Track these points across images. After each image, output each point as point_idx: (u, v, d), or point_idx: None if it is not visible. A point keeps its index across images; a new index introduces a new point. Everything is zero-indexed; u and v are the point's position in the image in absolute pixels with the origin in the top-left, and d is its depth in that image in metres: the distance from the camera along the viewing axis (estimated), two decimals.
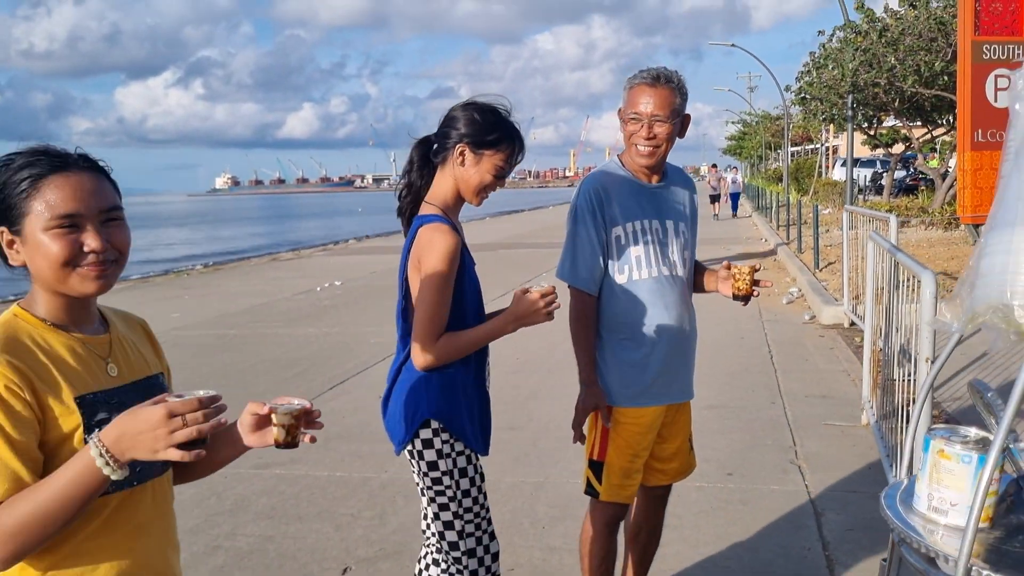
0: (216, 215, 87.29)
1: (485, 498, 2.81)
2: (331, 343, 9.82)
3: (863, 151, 37.14)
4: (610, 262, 3.04)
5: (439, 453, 2.68)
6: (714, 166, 36.35)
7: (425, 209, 2.71)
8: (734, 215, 34.13)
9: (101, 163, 1.72)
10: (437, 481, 2.69)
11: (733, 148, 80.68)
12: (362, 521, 4.60)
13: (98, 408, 1.64)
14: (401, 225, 2.86)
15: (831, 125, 34.69)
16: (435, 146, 2.75)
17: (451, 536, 2.71)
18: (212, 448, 1.79)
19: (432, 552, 2.81)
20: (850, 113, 20.22)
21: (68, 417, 1.60)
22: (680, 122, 3.01)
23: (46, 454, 1.58)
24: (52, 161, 1.64)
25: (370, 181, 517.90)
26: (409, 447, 2.70)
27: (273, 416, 1.69)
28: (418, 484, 2.76)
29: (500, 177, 2.70)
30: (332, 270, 18.51)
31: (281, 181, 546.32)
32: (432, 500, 2.71)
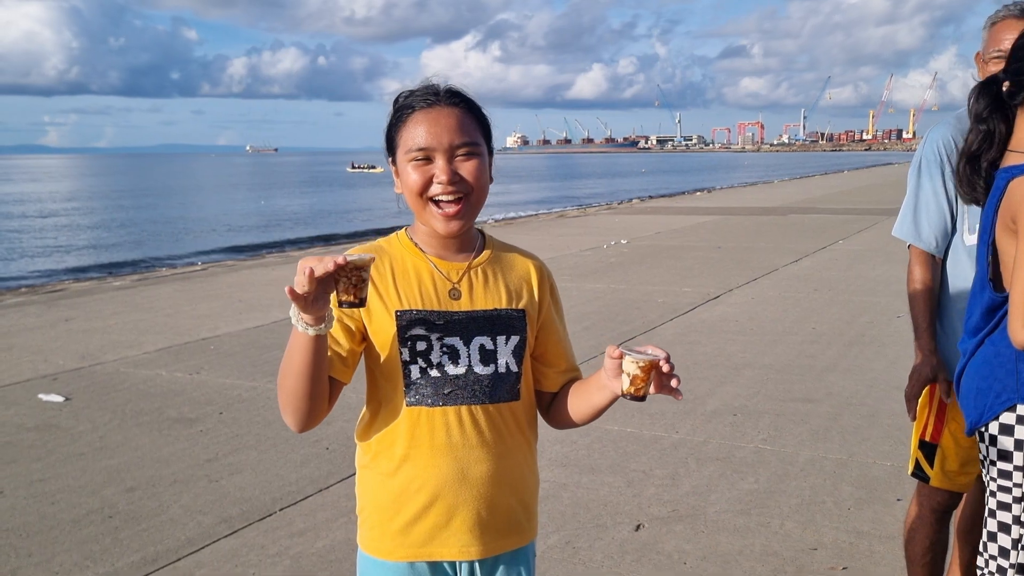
0: (506, 172, 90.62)
1: None
2: (618, 300, 9.85)
3: None
4: (959, 220, 2.72)
5: (1018, 444, 2.23)
6: None
7: (1012, 159, 2.29)
8: None
9: (471, 99, 1.81)
10: (1005, 475, 2.25)
11: None
12: (654, 479, 4.55)
13: (415, 324, 1.75)
14: (960, 186, 2.43)
15: None
16: (1007, 86, 2.30)
17: (1003, 541, 2.25)
18: (578, 394, 1.87)
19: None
20: None
21: (387, 323, 1.76)
22: None
23: (378, 347, 1.77)
24: (423, 98, 1.77)
25: (654, 142, 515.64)
26: (981, 429, 2.30)
27: (623, 363, 1.65)
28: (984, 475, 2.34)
29: None
30: (617, 229, 18.61)
31: (567, 141, 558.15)
32: (993, 494, 2.28)
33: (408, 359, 1.75)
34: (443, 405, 1.77)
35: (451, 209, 1.75)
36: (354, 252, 1.62)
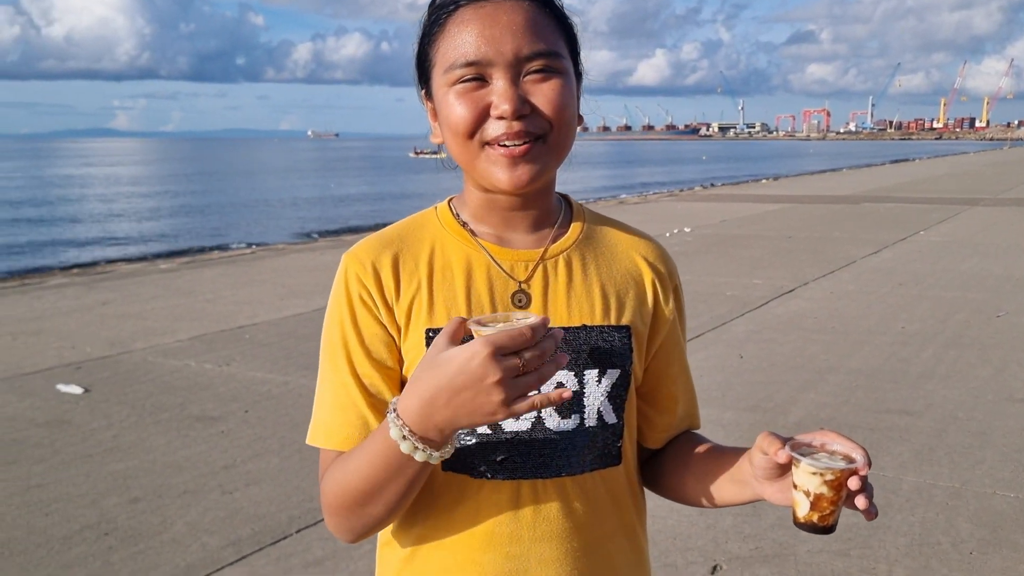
0: (568, 159, 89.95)
1: None
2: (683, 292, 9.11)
3: None
4: None
5: None
6: None
7: None
8: None
9: None
10: None
11: None
12: (732, 507, 3.88)
13: None
14: None
15: None
16: None
17: None
18: (701, 472, 1.22)
19: None
20: None
21: (417, 355, 1.14)
22: None
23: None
24: None
25: (715, 130, 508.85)
26: None
27: (794, 472, 1.01)
28: None
29: None
30: (680, 216, 17.80)
31: (627, 128, 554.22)
32: None
33: None
34: (492, 477, 1.14)
35: (518, 146, 1.09)
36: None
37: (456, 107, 1.10)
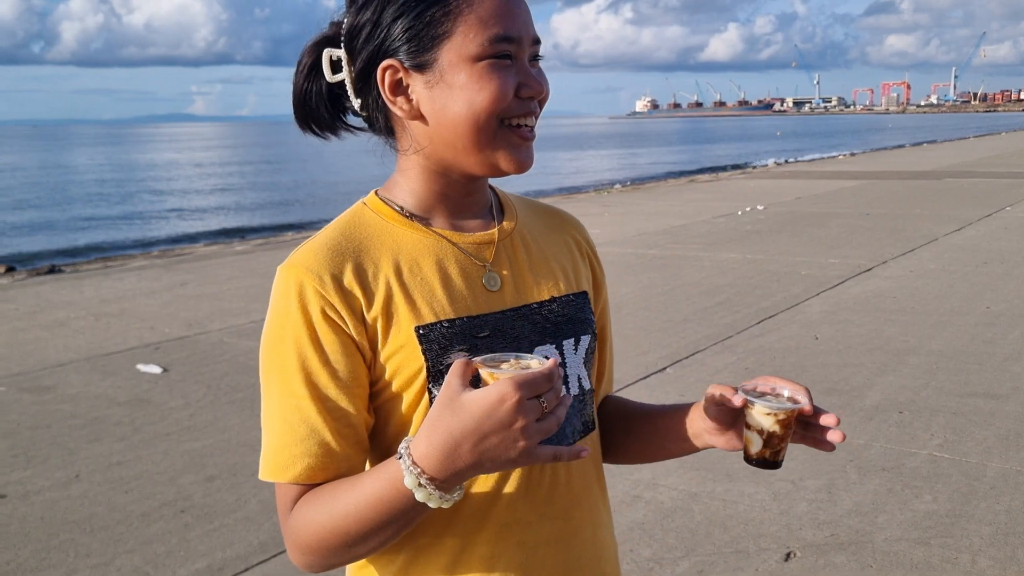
0: (636, 137, 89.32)
1: None
2: (755, 271, 8.95)
3: None
4: None
5: None
6: None
7: None
8: None
9: None
10: None
11: None
12: (806, 492, 3.79)
13: (450, 344, 1.07)
14: None
15: None
16: None
17: None
18: (641, 434, 1.30)
19: None
20: None
21: (407, 357, 1.07)
22: None
23: (380, 414, 1.10)
24: None
25: (790, 105, 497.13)
26: None
27: (748, 414, 1.10)
28: None
29: None
30: (753, 194, 17.44)
31: (699, 104, 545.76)
32: None
33: None
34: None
35: (532, 129, 1.11)
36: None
37: (494, 82, 1.05)
